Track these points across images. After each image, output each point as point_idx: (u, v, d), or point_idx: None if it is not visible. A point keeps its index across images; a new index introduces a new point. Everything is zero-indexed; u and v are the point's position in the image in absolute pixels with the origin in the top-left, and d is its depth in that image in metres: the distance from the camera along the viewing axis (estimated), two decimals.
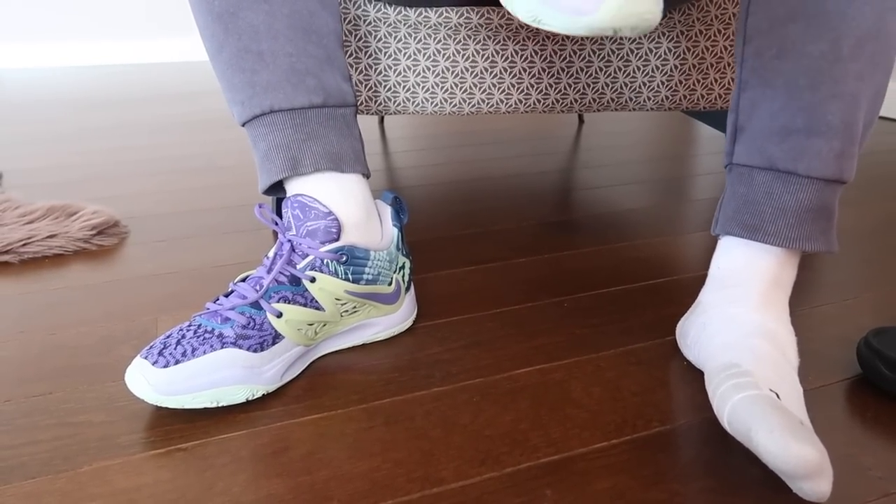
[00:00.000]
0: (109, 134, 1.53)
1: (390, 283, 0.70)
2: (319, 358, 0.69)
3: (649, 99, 0.95)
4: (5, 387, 0.64)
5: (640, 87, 0.94)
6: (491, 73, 0.90)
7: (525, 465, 0.54)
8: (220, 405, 0.59)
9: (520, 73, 0.89)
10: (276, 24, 0.64)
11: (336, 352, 0.69)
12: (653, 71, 0.93)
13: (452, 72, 0.89)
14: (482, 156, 1.38)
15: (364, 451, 0.55)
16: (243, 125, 0.68)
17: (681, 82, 0.94)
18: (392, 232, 0.71)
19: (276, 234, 0.99)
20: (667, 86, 0.94)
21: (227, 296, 0.64)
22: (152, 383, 0.57)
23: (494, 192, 1.16)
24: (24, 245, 0.92)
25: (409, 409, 0.60)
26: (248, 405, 0.61)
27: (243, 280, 0.66)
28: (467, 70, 0.89)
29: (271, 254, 0.66)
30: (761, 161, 0.62)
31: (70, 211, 1.00)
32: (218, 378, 0.59)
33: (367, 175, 0.70)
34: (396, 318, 0.72)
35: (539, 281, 0.84)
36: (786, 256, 0.63)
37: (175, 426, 0.58)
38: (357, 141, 0.69)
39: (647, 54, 0.92)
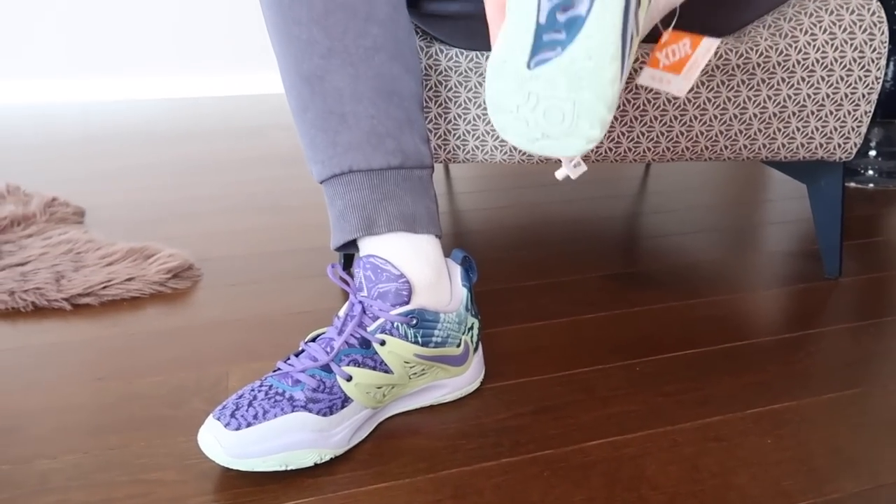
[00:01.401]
0: (181, 169, 1.59)
1: (459, 345, 0.69)
2: (386, 419, 0.68)
3: (726, 148, 0.92)
4: (83, 437, 0.65)
5: (716, 135, 0.91)
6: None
7: None
8: (288, 469, 0.59)
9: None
10: (360, 87, 0.65)
11: (402, 413, 0.69)
12: (730, 120, 0.90)
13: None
14: (547, 198, 1.36)
15: None
16: (321, 183, 0.69)
17: (760, 131, 0.91)
18: (461, 292, 0.70)
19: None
20: (745, 135, 0.91)
21: (297, 355, 0.64)
22: (224, 445, 0.57)
23: (560, 239, 1.14)
24: (104, 288, 0.95)
25: (477, 482, 0.59)
26: (316, 470, 0.61)
27: (314, 339, 0.66)
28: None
29: (342, 313, 0.66)
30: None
31: (147, 253, 1.04)
32: (288, 442, 0.59)
33: (439, 236, 0.70)
34: (464, 380, 0.71)
35: (608, 341, 0.82)
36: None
37: (244, 489, 0.58)
38: (432, 202, 0.69)
39: (724, 102, 0.89)
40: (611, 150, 0.90)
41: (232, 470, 0.60)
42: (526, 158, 0.90)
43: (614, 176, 1.53)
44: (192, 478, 0.60)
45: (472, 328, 0.71)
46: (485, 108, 0.88)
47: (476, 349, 0.73)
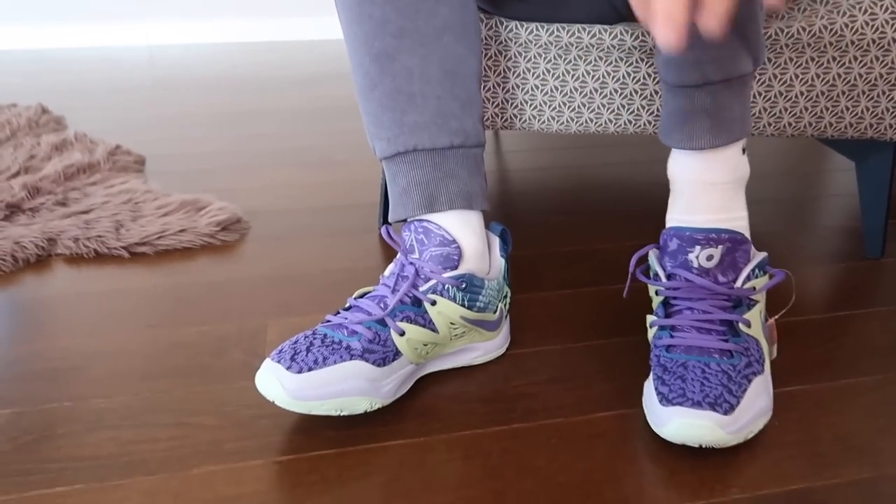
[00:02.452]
0: (238, 118, 1.64)
1: (495, 312, 0.72)
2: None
3: (769, 125, 0.90)
4: (135, 380, 0.72)
5: (759, 112, 0.89)
6: (621, 94, 0.88)
7: None
8: (341, 414, 0.63)
9: (651, 94, 0.87)
10: (429, 67, 0.67)
11: (430, 373, 0.73)
12: (775, 97, 0.88)
13: (581, 91, 0.89)
14: (589, 160, 1.36)
15: (440, 484, 0.59)
16: (383, 159, 0.71)
17: (806, 109, 0.89)
18: (500, 262, 0.73)
19: (382, 239, 1.03)
20: (790, 112, 0.89)
21: (346, 310, 0.69)
22: (287, 387, 0.61)
23: (598, 205, 1.15)
24: (159, 238, 1.01)
25: (487, 445, 0.63)
26: (338, 423, 0.66)
27: (361, 296, 0.70)
28: (596, 91, 0.88)
29: (388, 272, 0.70)
30: (658, 70, 0.69)
31: (199, 206, 1.09)
32: (345, 388, 0.63)
33: (486, 210, 0.73)
34: (494, 345, 0.74)
35: (634, 313, 0.84)
36: (704, 159, 0.67)
37: (273, 438, 0.64)
38: (483, 179, 0.72)
39: (770, 80, 0.87)
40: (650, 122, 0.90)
41: (263, 419, 0.66)
42: (582, 129, 0.91)
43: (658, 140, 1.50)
44: (229, 424, 0.66)
45: (506, 297, 0.74)
46: (543, 79, 0.89)
47: (507, 316, 0.76)
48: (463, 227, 0.70)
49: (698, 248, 0.65)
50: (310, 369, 0.62)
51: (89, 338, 0.80)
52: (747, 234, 0.68)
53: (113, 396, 0.70)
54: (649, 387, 0.64)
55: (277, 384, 0.61)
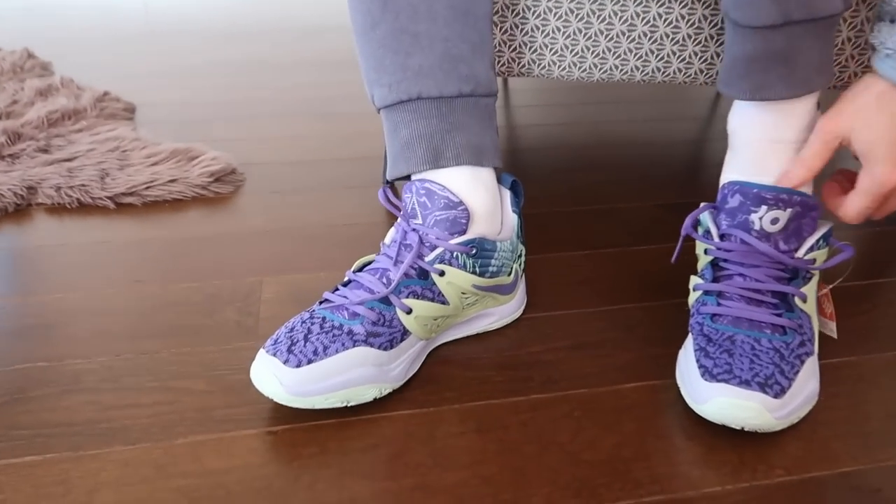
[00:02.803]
0: (235, 69, 1.55)
1: (510, 273, 0.66)
2: None
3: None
4: (118, 340, 0.66)
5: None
6: (650, 38, 0.80)
7: (624, 502, 0.49)
8: (349, 405, 0.57)
9: (684, 39, 0.79)
10: (435, 4, 0.60)
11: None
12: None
13: (607, 35, 0.81)
14: (608, 117, 1.28)
15: (452, 460, 0.53)
16: (383, 109, 0.64)
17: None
18: (512, 219, 0.66)
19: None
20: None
21: (345, 285, 0.62)
22: (285, 384, 0.54)
23: (617, 162, 1.08)
24: (147, 188, 0.94)
25: (504, 417, 0.57)
26: None
27: (361, 269, 0.63)
28: (623, 34, 0.80)
29: (388, 240, 0.63)
30: (723, 10, 0.60)
31: (191, 155, 1.02)
32: (350, 378, 0.56)
33: (499, 167, 0.66)
34: (509, 308, 0.68)
35: (658, 276, 0.77)
36: (774, 111, 0.59)
37: (267, 405, 0.58)
38: (495, 132, 0.65)
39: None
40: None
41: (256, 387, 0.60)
42: (606, 77, 0.83)
43: (684, 96, 1.42)
44: (219, 389, 0.60)
45: (520, 256, 0.68)
46: (566, 20, 0.81)
47: (522, 277, 0.70)
48: (471, 185, 0.62)
49: (764, 208, 0.58)
50: (310, 361, 0.55)
51: (69, 293, 0.73)
52: (815, 199, 0.60)
53: (92, 357, 0.64)
54: (687, 357, 0.58)
55: (275, 381, 0.54)
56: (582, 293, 0.74)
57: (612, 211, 0.93)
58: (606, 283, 0.76)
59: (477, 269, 0.62)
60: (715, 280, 0.61)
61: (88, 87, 1.34)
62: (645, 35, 0.80)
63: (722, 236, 0.61)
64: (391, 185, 0.94)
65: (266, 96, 1.38)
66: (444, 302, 0.61)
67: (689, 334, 0.60)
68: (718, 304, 0.59)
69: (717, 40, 0.80)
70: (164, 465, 0.52)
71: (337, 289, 0.61)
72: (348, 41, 1.84)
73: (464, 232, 0.61)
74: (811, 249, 0.59)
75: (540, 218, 0.90)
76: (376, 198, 0.95)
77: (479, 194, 0.62)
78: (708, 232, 0.63)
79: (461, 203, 0.60)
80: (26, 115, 1.15)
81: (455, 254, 0.61)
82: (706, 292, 0.61)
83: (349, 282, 0.62)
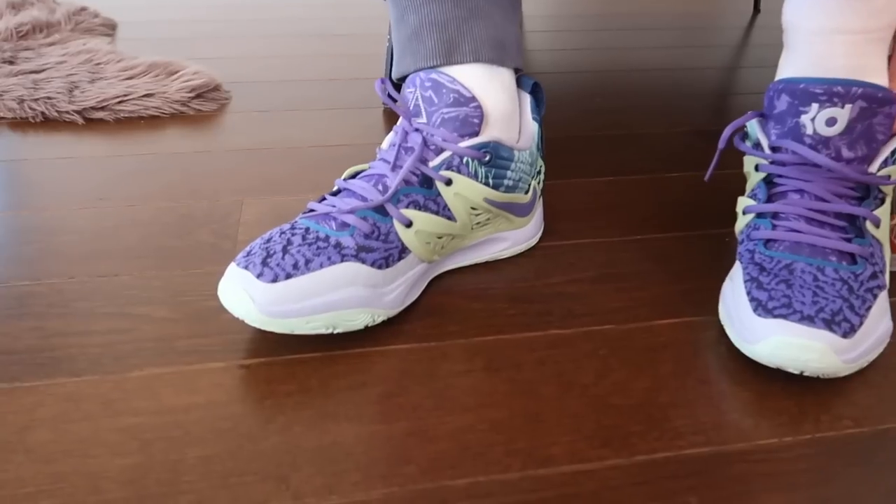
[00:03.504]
0: None
1: (527, 191, 0.57)
2: None
3: None
4: (72, 262, 0.57)
5: None
6: None
7: (662, 454, 0.41)
8: (335, 332, 0.48)
9: None
10: None
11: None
12: None
13: None
14: (630, 43, 1.17)
15: (455, 402, 0.44)
16: None
17: None
18: (532, 127, 0.56)
19: (387, 114, 0.86)
20: None
21: (334, 195, 0.53)
22: (258, 301, 0.45)
23: (641, 88, 0.97)
24: (120, 102, 0.85)
25: (517, 355, 0.48)
26: None
27: (354, 177, 0.54)
28: None
29: (386, 144, 0.54)
30: None
31: (171, 69, 0.92)
32: (337, 298, 0.47)
33: (520, 69, 0.56)
34: (525, 234, 0.59)
35: (692, 205, 0.68)
36: None
37: (240, 335, 0.49)
38: (519, 26, 0.55)
39: None
40: None
41: (229, 312, 0.51)
42: None
43: (714, 24, 1.30)
44: (184, 316, 0.51)
45: (539, 171, 0.58)
46: None
47: (540, 197, 0.60)
48: (487, 83, 0.53)
49: (815, 106, 0.48)
50: (288, 276, 0.46)
51: (22, 210, 0.64)
52: (888, 91, 0.48)
53: (41, 279, 0.55)
54: (735, 290, 0.49)
55: (246, 297, 0.45)
56: (605, 221, 0.65)
57: (636, 136, 0.83)
58: (633, 211, 0.67)
59: (490, 181, 0.53)
60: (768, 200, 0.52)
61: (65, 1, 1.23)
62: None
63: (773, 149, 0.51)
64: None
65: (255, 15, 1.26)
66: (450, 217, 0.52)
67: (737, 263, 0.51)
68: (773, 228, 0.50)
69: None
70: (112, 401, 0.44)
71: (324, 198, 0.52)
72: None
73: (476, 134, 0.52)
74: (885, 163, 0.49)
75: (556, 142, 0.80)
76: (375, 119, 0.85)
77: (497, 94, 0.53)
78: (758, 144, 0.53)
79: (474, 99, 0.51)
80: None
81: (465, 159, 0.51)
82: (759, 215, 0.51)
83: (339, 191, 0.53)
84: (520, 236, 0.59)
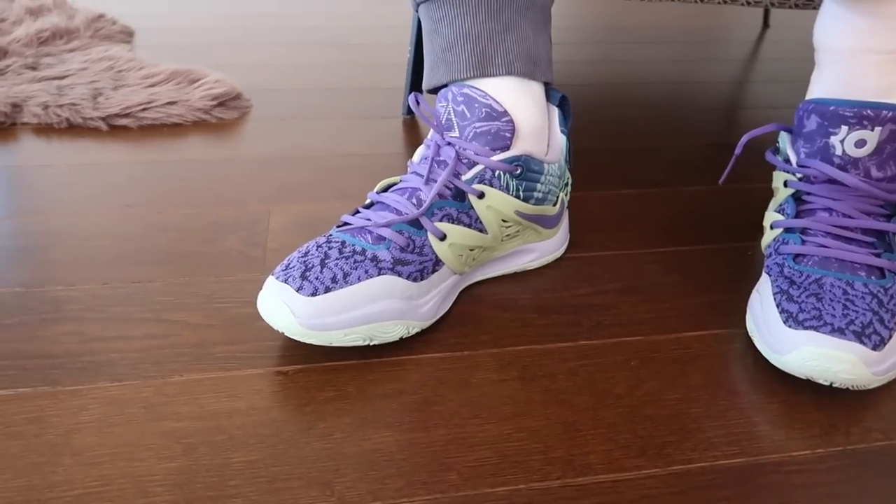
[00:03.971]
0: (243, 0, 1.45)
1: (556, 203, 0.57)
2: None
3: None
4: (105, 267, 0.58)
5: None
6: None
7: (698, 465, 0.42)
8: (372, 344, 0.49)
9: None
10: None
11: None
12: None
13: None
14: (643, 56, 1.18)
15: (493, 410, 0.45)
16: (422, 3, 0.55)
17: None
18: (560, 140, 0.58)
19: (406, 123, 0.87)
20: None
21: (367, 207, 0.53)
22: (298, 314, 0.46)
23: (657, 101, 0.98)
24: (144, 109, 0.85)
25: (551, 364, 0.49)
26: None
27: (386, 190, 0.55)
28: None
29: (417, 157, 0.55)
30: None
31: (193, 77, 0.93)
32: (374, 311, 0.48)
33: (551, 83, 0.57)
34: (552, 245, 0.60)
35: (714, 217, 0.69)
36: (869, 18, 0.49)
37: (276, 342, 0.50)
38: (549, 39, 0.56)
39: None
40: None
41: (264, 320, 0.52)
42: None
43: (723, 38, 1.32)
44: (220, 322, 0.52)
45: (567, 184, 0.59)
46: None
47: (566, 210, 0.61)
48: (519, 96, 0.54)
49: (845, 128, 0.49)
50: (327, 290, 0.46)
51: (51, 215, 0.65)
52: None
53: (76, 284, 0.56)
54: (764, 301, 0.50)
55: (286, 310, 0.46)
56: (628, 233, 0.66)
57: (652, 149, 0.84)
58: (656, 223, 0.68)
59: (521, 194, 0.54)
60: (797, 216, 0.53)
61: (83, 7, 1.24)
62: None
63: (802, 167, 0.52)
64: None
65: (275, 24, 1.27)
66: (481, 230, 0.53)
67: (765, 276, 0.52)
68: (803, 243, 0.51)
69: None
70: (154, 406, 0.44)
71: (357, 211, 0.53)
72: None
73: (507, 148, 0.53)
74: None
75: (576, 154, 0.81)
76: (394, 128, 0.86)
77: (528, 108, 0.54)
78: (788, 160, 0.54)
79: (506, 113, 0.52)
80: (14, 33, 1.05)
81: (497, 173, 0.52)
82: (787, 230, 0.52)
83: (372, 203, 0.53)
84: (547, 247, 0.60)
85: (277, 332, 0.51)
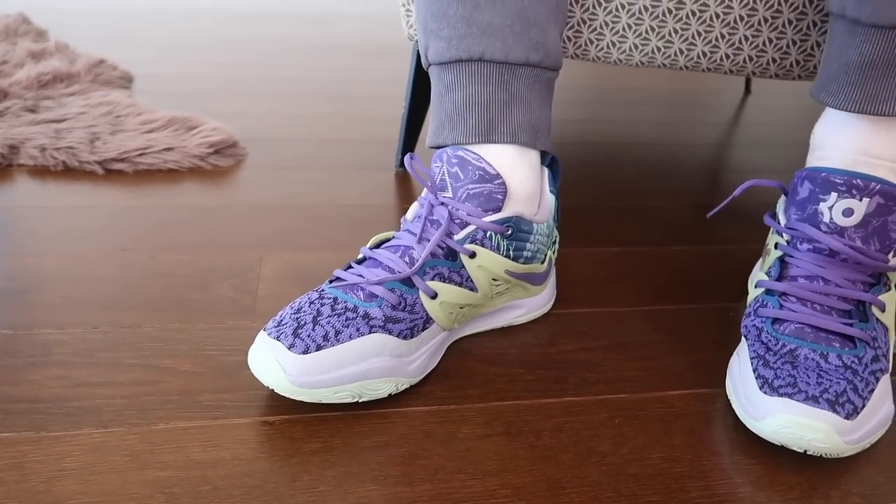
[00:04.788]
0: (243, 48, 1.48)
1: (544, 261, 0.59)
2: None
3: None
4: (96, 311, 0.58)
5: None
6: (723, 20, 0.72)
7: None
8: (360, 401, 0.49)
9: (759, 23, 0.71)
10: None
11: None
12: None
13: (675, 15, 0.73)
14: (630, 117, 1.22)
15: (478, 466, 0.45)
16: (436, 65, 0.57)
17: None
18: (550, 200, 0.59)
19: (399, 176, 0.89)
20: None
21: (360, 263, 0.54)
22: (289, 372, 0.46)
23: (644, 161, 1.01)
24: (140, 155, 0.87)
25: (536, 421, 0.50)
26: None
27: (378, 246, 0.56)
28: (694, 14, 0.72)
29: (410, 215, 0.56)
30: (837, 7, 0.52)
31: (190, 125, 0.95)
32: (364, 369, 0.48)
33: (548, 152, 0.59)
34: (539, 301, 0.61)
35: (698, 277, 0.70)
36: (873, 123, 0.52)
37: (264, 391, 0.50)
38: (550, 111, 0.58)
39: None
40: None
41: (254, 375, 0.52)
42: (669, 63, 0.75)
43: (707, 102, 1.36)
44: (208, 370, 0.52)
45: (555, 241, 0.61)
46: None
47: (553, 267, 0.63)
48: (515, 163, 0.56)
49: (834, 196, 0.50)
50: (318, 348, 0.47)
51: (45, 257, 0.65)
52: None
53: (66, 328, 0.56)
54: (742, 365, 0.51)
55: (277, 368, 0.46)
56: (616, 291, 0.67)
57: (642, 208, 0.86)
58: (642, 281, 0.69)
59: (511, 253, 0.55)
60: (779, 279, 0.54)
61: (85, 53, 1.26)
62: (717, 17, 0.73)
63: (790, 229, 0.54)
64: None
65: (274, 75, 1.30)
66: (472, 288, 0.54)
67: (743, 339, 0.53)
68: (781, 307, 0.52)
69: (797, 26, 0.72)
70: (139, 454, 0.44)
71: (350, 266, 0.54)
72: (360, 29, 1.78)
73: (499, 209, 0.54)
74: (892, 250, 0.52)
75: (564, 211, 0.83)
76: (388, 180, 0.88)
77: (524, 173, 0.56)
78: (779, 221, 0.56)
79: (498, 176, 0.53)
80: (15, 75, 1.07)
81: (489, 233, 0.53)
82: (768, 291, 0.54)
83: (364, 259, 0.54)
84: (534, 303, 0.61)
85: None
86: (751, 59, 0.73)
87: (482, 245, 0.53)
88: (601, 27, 0.74)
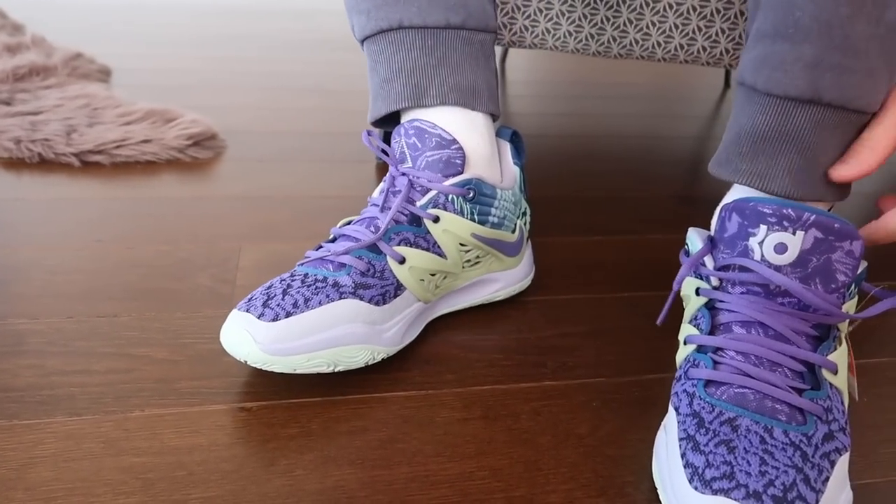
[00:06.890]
0: (223, 43, 1.47)
1: (514, 230, 0.59)
2: None
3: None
4: (71, 300, 0.57)
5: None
6: (652, 9, 0.74)
7: None
8: (336, 370, 0.49)
9: (689, 11, 0.74)
10: None
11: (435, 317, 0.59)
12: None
13: (606, 2, 0.74)
14: (610, 110, 1.22)
15: (455, 449, 0.45)
16: (363, 41, 0.57)
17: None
18: (514, 171, 0.60)
19: (380, 167, 0.89)
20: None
21: (330, 242, 0.54)
22: (259, 340, 0.46)
23: (623, 153, 1.02)
24: (118, 147, 0.86)
25: (514, 405, 0.50)
26: None
27: (348, 224, 0.56)
28: (624, 2, 0.74)
29: (376, 193, 0.56)
30: (739, 73, 0.48)
31: (168, 117, 0.94)
32: (338, 335, 0.48)
33: (496, 116, 0.58)
34: (517, 275, 0.61)
35: (675, 266, 0.71)
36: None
37: (242, 379, 0.50)
38: (493, 75, 0.58)
39: None
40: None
41: (230, 356, 0.52)
42: (602, 50, 0.77)
43: (687, 95, 1.37)
44: (185, 358, 0.52)
45: (525, 213, 0.61)
46: None
47: (528, 239, 0.63)
48: (465, 128, 0.56)
49: (763, 228, 0.43)
50: (288, 314, 0.47)
51: (20, 249, 0.65)
52: (847, 224, 0.42)
53: (40, 318, 0.55)
54: (668, 446, 0.42)
55: (247, 337, 0.46)
56: (594, 278, 0.67)
57: (620, 198, 0.86)
58: (620, 269, 0.69)
59: (476, 217, 0.55)
60: (711, 331, 0.45)
61: (62, 47, 1.25)
62: (646, 5, 0.74)
63: (720, 270, 0.45)
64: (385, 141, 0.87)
65: (253, 69, 1.30)
66: (440, 254, 0.54)
67: (672, 412, 0.43)
68: (715, 366, 0.43)
69: (724, 15, 0.74)
70: (114, 440, 0.44)
71: (320, 246, 0.54)
72: (340, 24, 1.77)
73: (459, 174, 0.54)
74: (842, 298, 0.43)
75: (544, 201, 0.84)
76: (370, 173, 0.88)
77: (472, 137, 0.56)
78: (703, 263, 0.47)
79: (455, 142, 0.54)
80: None
81: (450, 197, 0.54)
82: (699, 348, 0.45)
83: (334, 238, 0.54)
84: (511, 277, 0.61)
85: (243, 368, 0.51)
86: (659, 45, 0.74)
87: (445, 209, 0.54)
88: (535, 14, 0.75)
